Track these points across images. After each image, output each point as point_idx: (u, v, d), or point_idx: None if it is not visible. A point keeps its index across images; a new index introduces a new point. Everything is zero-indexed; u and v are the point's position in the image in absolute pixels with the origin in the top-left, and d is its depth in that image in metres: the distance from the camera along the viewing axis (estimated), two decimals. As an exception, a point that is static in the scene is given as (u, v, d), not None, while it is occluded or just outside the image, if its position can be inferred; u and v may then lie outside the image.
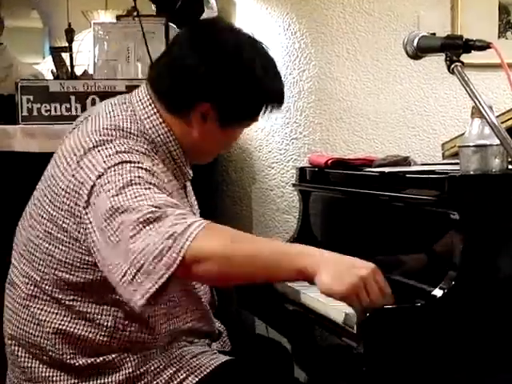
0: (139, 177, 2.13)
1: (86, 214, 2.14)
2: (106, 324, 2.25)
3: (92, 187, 2.13)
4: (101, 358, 2.26)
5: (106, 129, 2.24)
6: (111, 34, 3.70)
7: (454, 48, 2.04)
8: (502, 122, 2.38)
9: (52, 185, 2.25)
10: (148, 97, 2.36)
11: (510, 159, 2.12)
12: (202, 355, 2.36)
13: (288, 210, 3.51)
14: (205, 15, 3.58)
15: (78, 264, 2.21)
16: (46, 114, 3.40)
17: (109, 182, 2.11)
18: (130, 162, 2.16)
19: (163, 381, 2.28)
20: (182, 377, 2.29)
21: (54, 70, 4.22)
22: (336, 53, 3.51)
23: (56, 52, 4.35)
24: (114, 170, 2.13)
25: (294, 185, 3.17)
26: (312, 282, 1.98)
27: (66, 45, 4.14)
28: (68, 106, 3.41)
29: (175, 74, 2.36)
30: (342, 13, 3.50)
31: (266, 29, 3.59)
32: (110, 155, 2.17)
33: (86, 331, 2.25)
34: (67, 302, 2.25)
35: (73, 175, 2.18)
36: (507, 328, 1.87)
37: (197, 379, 2.29)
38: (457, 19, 3.53)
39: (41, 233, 2.25)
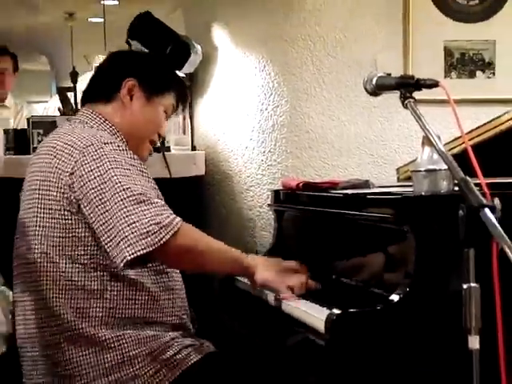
0: (119, 158, 2.22)
1: (72, 183, 2.20)
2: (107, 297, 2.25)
3: (76, 161, 2.21)
4: (102, 332, 2.23)
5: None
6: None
7: (406, 86, 2.04)
8: (449, 150, 2.39)
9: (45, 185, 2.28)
10: (87, 110, 2.43)
11: (455, 182, 2.12)
12: (194, 346, 2.35)
13: (264, 227, 3.51)
14: (191, 58, 3.59)
15: (76, 237, 2.24)
16: (54, 146, 3.39)
17: (93, 157, 2.20)
18: (110, 143, 2.25)
19: (158, 365, 2.25)
20: (175, 362, 2.26)
21: (61, 107, 4.22)
22: (305, 91, 3.51)
23: (62, 91, 4.35)
24: (95, 148, 2.21)
25: (269, 205, 3.17)
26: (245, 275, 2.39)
27: (71, 85, 4.14)
28: (73, 138, 3.41)
29: (98, 72, 2.53)
30: (310, 56, 3.51)
31: (244, 70, 3.60)
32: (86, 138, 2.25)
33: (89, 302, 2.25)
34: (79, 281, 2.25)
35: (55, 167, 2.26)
36: (454, 328, 1.87)
37: (190, 363, 2.27)
38: (408, 61, 3.55)
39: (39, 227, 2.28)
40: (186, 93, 2.60)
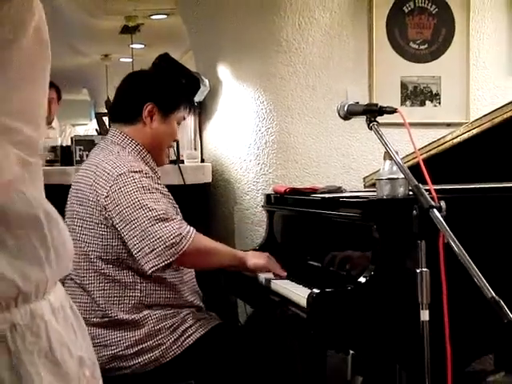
0: (146, 183, 2.22)
1: (107, 204, 2.20)
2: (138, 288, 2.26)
3: (110, 186, 2.20)
4: (132, 316, 2.24)
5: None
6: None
7: (371, 112, 2.04)
8: (405, 162, 2.38)
9: (82, 202, 2.29)
10: (117, 131, 2.40)
11: (410, 188, 2.11)
12: (205, 319, 2.34)
13: (259, 224, 3.49)
14: (201, 90, 3.57)
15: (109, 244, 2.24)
16: (92, 159, 3.37)
17: (125, 184, 2.20)
18: (139, 171, 2.25)
19: (177, 335, 2.25)
20: (190, 332, 2.27)
21: (98, 129, 4.20)
22: (291, 115, 3.51)
23: (99, 116, 4.34)
24: (126, 176, 2.21)
25: (262, 206, 3.16)
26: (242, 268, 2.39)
27: (106, 111, 4.13)
28: (107, 153, 3.38)
29: (120, 95, 2.47)
30: (295, 88, 3.50)
31: (243, 99, 3.59)
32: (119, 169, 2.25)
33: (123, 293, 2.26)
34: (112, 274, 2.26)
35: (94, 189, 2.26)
36: (409, 304, 1.87)
37: (202, 333, 2.28)
38: (373, 92, 3.55)
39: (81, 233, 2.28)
40: (192, 102, 2.61)
